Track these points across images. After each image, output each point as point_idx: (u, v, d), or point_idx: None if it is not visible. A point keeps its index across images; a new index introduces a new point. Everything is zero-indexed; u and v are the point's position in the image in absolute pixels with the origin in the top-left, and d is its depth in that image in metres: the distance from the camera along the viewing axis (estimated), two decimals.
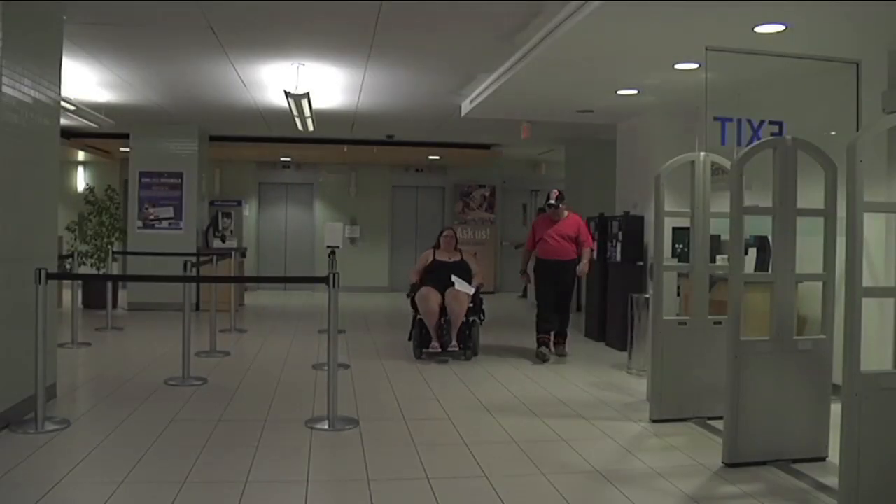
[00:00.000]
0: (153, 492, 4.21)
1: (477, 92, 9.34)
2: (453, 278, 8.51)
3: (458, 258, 8.92)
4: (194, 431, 5.44)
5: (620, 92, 8.41)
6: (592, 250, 8.91)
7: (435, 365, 8.19)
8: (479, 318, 8.74)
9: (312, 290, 15.82)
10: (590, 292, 10.75)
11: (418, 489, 4.35)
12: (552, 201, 8.63)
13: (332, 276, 5.63)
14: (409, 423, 5.78)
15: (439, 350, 8.37)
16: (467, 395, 6.75)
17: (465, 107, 10.15)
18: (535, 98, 8.97)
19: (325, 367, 6.13)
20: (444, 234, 9.17)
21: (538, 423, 5.87)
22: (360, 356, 8.56)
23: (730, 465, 4.79)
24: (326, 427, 5.54)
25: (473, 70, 8.50)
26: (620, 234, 9.70)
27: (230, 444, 5.15)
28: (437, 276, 8.65)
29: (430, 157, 16.26)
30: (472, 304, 8.54)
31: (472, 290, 8.52)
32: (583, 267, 8.62)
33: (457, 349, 8.38)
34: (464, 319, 8.44)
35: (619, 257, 9.71)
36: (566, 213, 8.75)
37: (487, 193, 17.65)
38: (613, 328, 9.55)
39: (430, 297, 8.38)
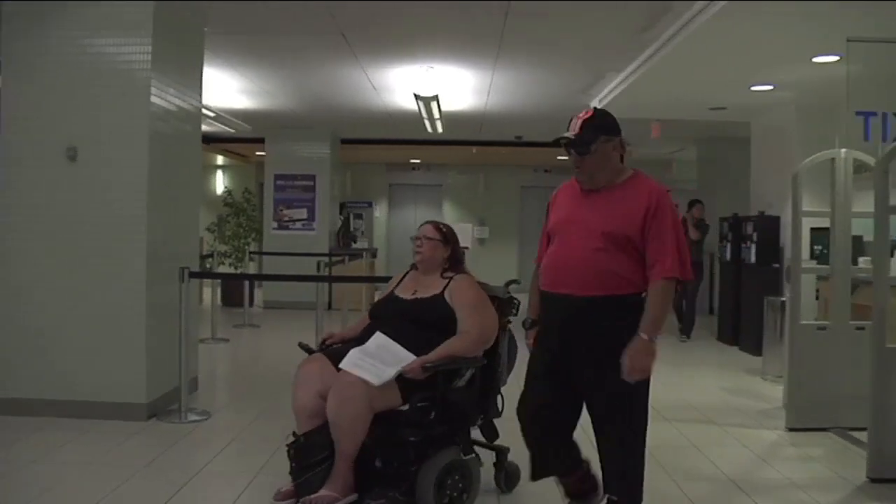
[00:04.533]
0: (287, 483, 4.34)
1: (606, 91, 9.23)
2: (371, 345, 3.82)
3: (436, 291, 4.05)
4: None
5: (755, 88, 8.13)
6: (679, 282, 3.26)
7: None
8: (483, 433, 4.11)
9: None
10: (723, 295, 10.46)
11: (545, 493, 4.34)
12: (569, 135, 3.32)
13: None
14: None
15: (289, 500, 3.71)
16: None
17: (595, 106, 10.02)
18: (666, 96, 8.79)
19: None
20: (416, 237, 4.33)
21: (668, 428, 5.75)
22: None
23: (875, 480, 4.55)
24: None
25: (602, 69, 8.41)
26: (755, 234, 9.39)
27: None
28: (374, 328, 4.01)
29: (559, 158, 16.13)
30: (424, 409, 3.69)
31: (384, 377, 3.59)
32: (634, 362, 3.13)
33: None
34: (367, 441, 3.65)
35: (753, 259, 9.40)
36: (623, 174, 3.37)
37: None
38: (747, 332, 9.26)
39: (307, 379, 3.84)
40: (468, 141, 14.71)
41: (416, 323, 3.93)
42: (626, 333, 3.15)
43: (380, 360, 3.67)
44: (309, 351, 4.12)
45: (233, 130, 11.90)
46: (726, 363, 8.60)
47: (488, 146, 15.04)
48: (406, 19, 6.64)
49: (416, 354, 3.71)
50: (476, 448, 4.03)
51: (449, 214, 17.41)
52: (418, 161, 17.24)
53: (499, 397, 4.15)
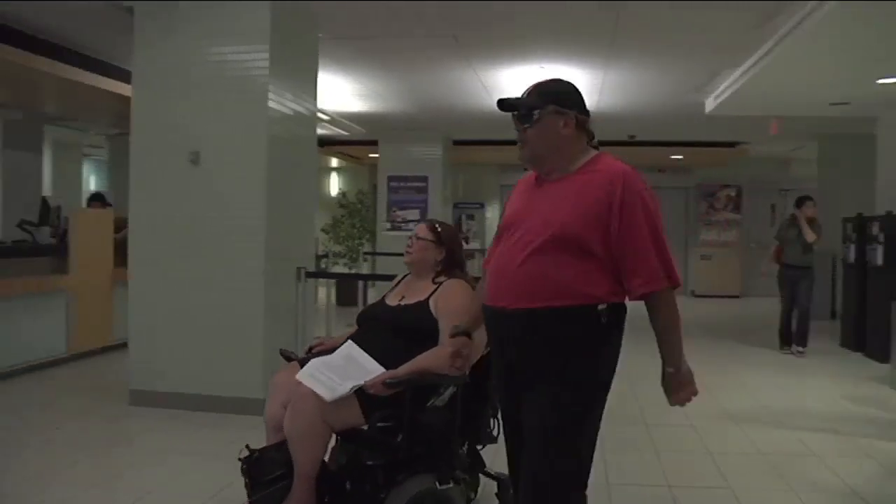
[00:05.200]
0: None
1: (721, 88, 9.02)
2: (338, 356, 3.42)
3: (421, 298, 3.61)
4: None
5: (881, 81, 7.80)
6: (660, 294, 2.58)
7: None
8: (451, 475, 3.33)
9: None
10: (847, 298, 10.07)
11: (658, 496, 4.29)
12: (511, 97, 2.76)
13: None
14: (651, 428, 5.68)
15: None
16: (710, 401, 6.52)
17: (710, 104, 9.82)
18: (785, 92, 8.53)
19: None
20: (410, 237, 3.88)
21: (787, 435, 5.58)
22: None
23: None
24: None
25: (718, 66, 8.22)
26: (882, 235, 8.99)
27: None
28: (357, 335, 3.63)
29: (673, 157, 15.85)
30: (386, 430, 3.23)
31: (338, 392, 3.18)
32: (677, 399, 2.74)
33: None
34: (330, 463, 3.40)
35: (880, 261, 9.00)
36: (581, 159, 2.73)
37: (733, 194, 16.96)
38: (874, 337, 8.87)
39: (276, 389, 3.53)
40: None
41: (397, 332, 3.48)
42: (571, 349, 2.52)
43: (343, 373, 3.25)
44: (288, 359, 3.72)
45: (347, 133, 12.14)
46: (850, 370, 8.26)
47: (600, 145, 14.84)
48: (517, 20, 6.65)
49: (392, 367, 3.27)
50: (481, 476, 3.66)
51: None
52: None
53: (493, 421, 3.56)
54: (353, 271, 13.43)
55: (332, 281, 12.17)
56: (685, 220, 17.07)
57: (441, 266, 3.72)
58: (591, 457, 2.64)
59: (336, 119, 11.01)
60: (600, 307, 2.51)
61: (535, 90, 2.72)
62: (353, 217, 14.06)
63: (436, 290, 3.58)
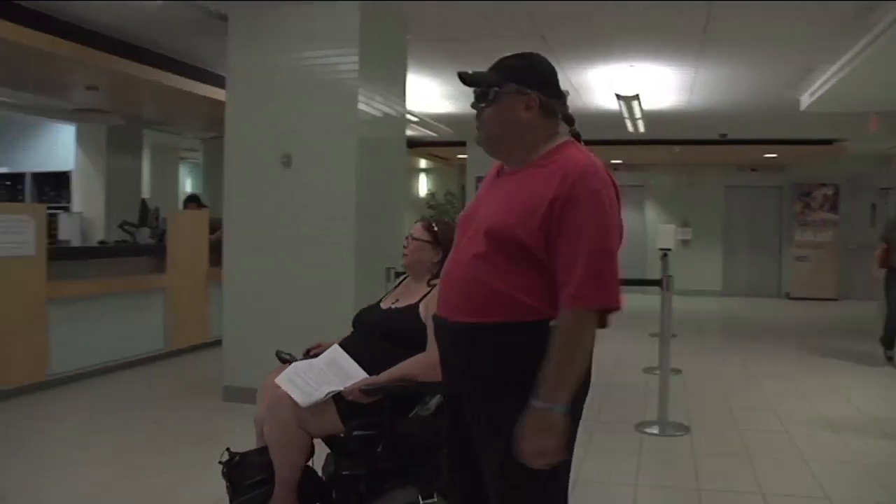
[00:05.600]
0: None
1: (818, 84, 8.75)
2: (321, 359, 3.28)
3: (412, 301, 3.41)
4: None
5: None
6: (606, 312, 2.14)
7: (774, 371, 7.80)
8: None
9: (643, 293, 15.64)
10: None
11: None
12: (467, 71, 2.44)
13: (664, 278, 5.57)
14: (744, 433, 5.54)
15: None
16: (807, 407, 6.34)
17: (805, 100, 9.55)
18: (885, 87, 8.23)
19: (657, 371, 6.07)
20: (407, 237, 3.64)
21: (892, 446, 5.36)
22: (692, 361, 8.32)
23: None
24: (657, 432, 5.48)
25: (813, 61, 7.98)
26: None
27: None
28: (351, 338, 3.48)
29: (766, 156, 15.45)
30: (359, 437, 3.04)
31: (313, 397, 3.06)
32: (526, 445, 2.04)
33: None
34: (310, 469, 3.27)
35: None
36: (545, 146, 2.31)
37: (830, 193, 16.43)
38: None
39: (265, 392, 3.37)
40: (670, 140, 14.35)
41: (384, 337, 3.31)
42: (517, 375, 2.08)
43: (323, 378, 3.12)
44: (284, 360, 3.50)
45: (435, 134, 12.20)
46: None
47: (691, 145, 14.61)
48: (606, 18, 6.59)
49: (378, 373, 3.12)
50: None
51: (651, 215, 17.08)
52: (619, 161, 16.99)
53: None
54: None
55: None
56: (779, 220, 16.62)
57: (438, 268, 3.33)
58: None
59: (424, 120, 11.08)
60: (553, 323, 2.06)
61: (497, 65, 2.37)
62: (442, 218, 14.11)
63: (428, 292, 3.34)
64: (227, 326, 6.25)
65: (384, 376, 3.08)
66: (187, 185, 15.62)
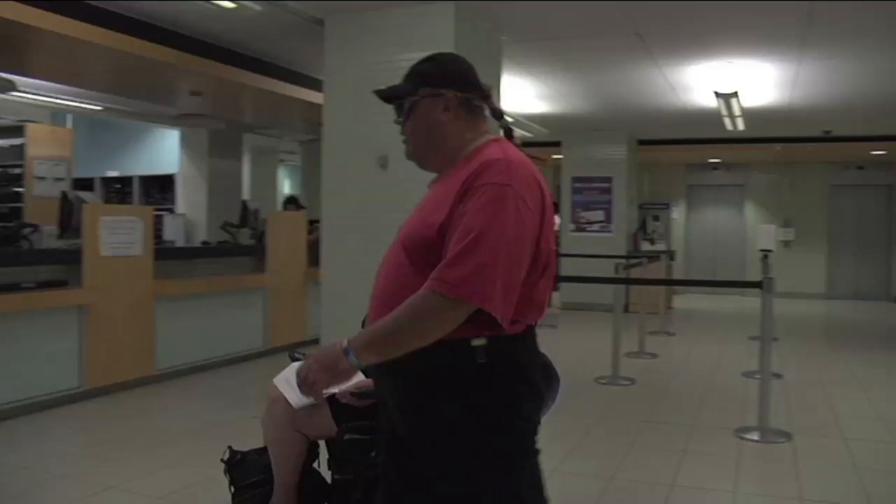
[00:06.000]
0: (581, 485, 4.37)
1: None
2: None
3: None
4: (621, 430, 5.56)
5: None
6: (492, 326, 1.89)
7: (881, 378, 7.52)
8: None
9: (743, 295, 15.31)
10: None
11: None
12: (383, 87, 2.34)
13: (765, 280, 5.44)
14: (849, 442, 5.34)
15: None
16: None
17: None
18: None
19: (757, 376, 5.92)
20: None
21: None
22: (793, 366, 8.08)
23: None
24: (757, 438, 5.34)
25: None
26: None
27: (656, 445, 5.18)
28: None
29: (874, 153, 14.90)
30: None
31: (304, 399, 2.73)
32: (306, 369, 2.00)
33: None
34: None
35: None
36: (468, 148, 2.15)
37: None
38: None
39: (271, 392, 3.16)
40: (771, 138, 13.96)
41: None
42: (436, 410, 1.93)
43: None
44: (294, 360, 3.28)
45: (530, 135, 12.15)
46: None
47: (793, 143, 14.17)
48: (704, 15, 6.45)
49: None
50: None
51: (751, 215, 16.67)
52: (718, 160, 16.66)
53: None
54: None
55: None
56: (887, 219, 15.98)
57: None
58: None
59: (519, 121, 11.06)
60: (475, 342, 1.88)
61: (408, 74, 2.21)
62: None
63: None
64: (325, 325, 6.36)
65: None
66: (286, 187, 15.96)
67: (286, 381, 3.01)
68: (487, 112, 2.20)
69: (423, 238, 1.95)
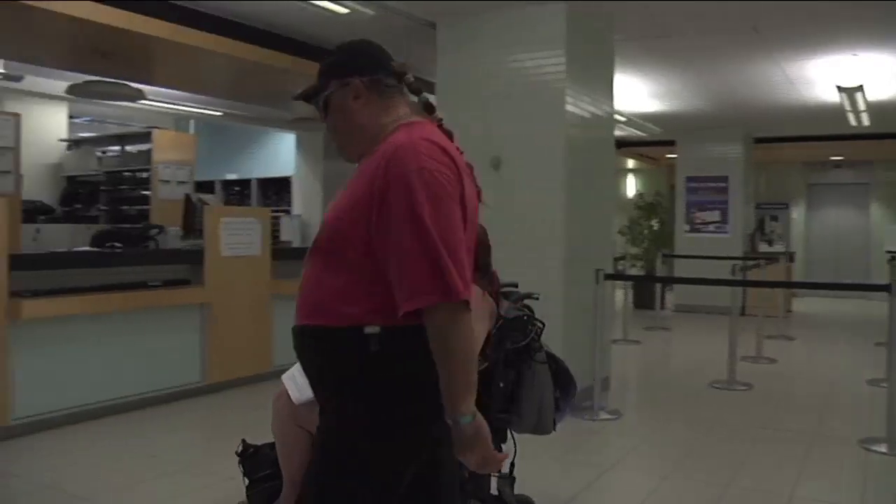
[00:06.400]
0: (695, 491, 4.28)
1: None
2: None
3: None
4: (737, 437, 5.42)
5: None
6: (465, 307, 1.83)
7: None
8: None
9: (867, 299, 14.70)
10: None
11: None
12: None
13: (893, 283, 5.21)
14: None
15: None
16: None
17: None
18: None
19: (884, 384, 5.69)
20: None
21: None
22: None
23: None
24: (885, 450, 5.09)
25: None
26: None
27: (774, 454, 5.02)
28: None
29: None
30: None
31: (305, 395, 2.88)
32: (467, 461, 1.88)
33: None
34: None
35: None
36: (383, 133, 2.06)
37: None
38: None
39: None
40: None
41: None
42: (336, 383, 1.94)
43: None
44: None
45: (643, 134, 11.99)
46: None
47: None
48: (826, 6, 6.22)
49: None
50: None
51: (877, 215, 15.99)
52: (840, 158, 16.05)
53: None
54: (651, 274, 13.23)
55: (630, 283, 12.09)
56: None
57: None
58: None
59: (632, 120, 10.93)
60: (368, 330, 1.86)
61: (319, 72, 2.16)
62: (651, 219, 13.85)
63: None
64: None
65: None
66: None
67: (292, 377, 3.02)
68: (410, 92, 2.15)
69: (333, 233, 1.94)
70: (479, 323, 2.84)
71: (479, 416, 1.82)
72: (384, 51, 2.16)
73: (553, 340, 5.77)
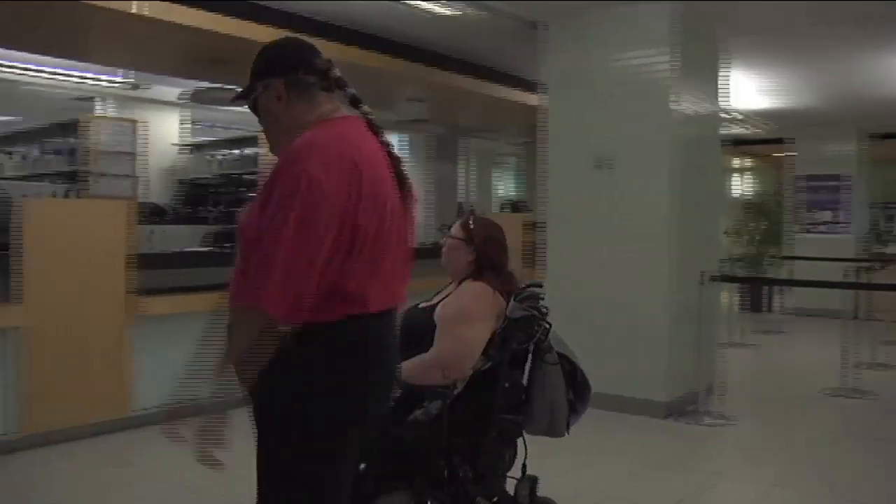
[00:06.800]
0: (807, 502, 4.16)
1: None
2: None
3: (439, 301, 3.29)
4: (850, 447, 5.24)
5: None
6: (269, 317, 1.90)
7: None
8: None
9: None
10: None
11: None
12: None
13: None
14: None
15: None
16: None
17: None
18: None
19: None
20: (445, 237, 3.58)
21: None
22: None
23: None
24: None
25: None
26: None
27: (891, 467, 4.82)
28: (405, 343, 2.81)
29: None
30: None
31: None
32: None
33: None
34: None
35: None
36: (304, 128, 2.07)
37: None
38: None
39: None
40: None
41: (404, 335, 2.91)
42: (261, 388, 1.95)
43: None
44: None
45: (752, 131, 11.68)
46: None
47: None
48: None
49: None
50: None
51: None
52: None
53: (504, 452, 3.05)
54: (762, 276, 12.85)
55: (736, 285, 11.78)
56: None
57: (472, 268, 3.24)
58: None
59: (740, 117, 10.66)
60: (283, 327, 1.91)
61: (251, 73, 2.17)
62: (760, 219, 13.47)
63: (450, 293, 3.20)
64: None
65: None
66: (501, 189, 16.18)
67: None
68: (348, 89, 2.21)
69: (247, 225, 1.95)
70: (483, 322, 2.98)
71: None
72: (307, 48, 2.18)
73: (657, 343, 5.73)
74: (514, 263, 8.60)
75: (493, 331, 2.98)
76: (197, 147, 11.64)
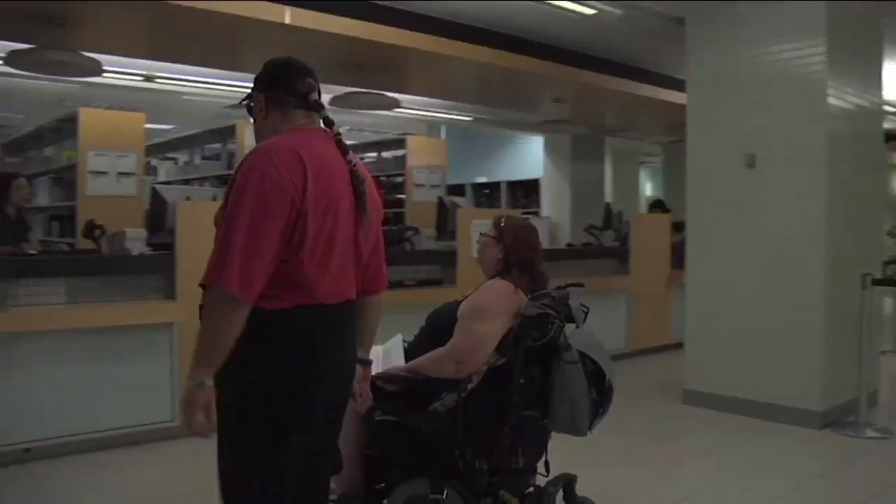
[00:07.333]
0: None
1: None
2: (384, 346, 3.39)
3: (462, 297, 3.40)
4: None
5: None
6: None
7: None
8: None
9: None
10: None
11: None
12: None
13: None
14: None
15: None
16: None
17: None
18: None
19: None
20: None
21: None
22: None
23: None
24: None
25: None
26: None
27: None
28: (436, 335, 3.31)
29: None
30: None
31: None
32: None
33: None
34: None
35: None
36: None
37: None
38: None
39: None
40: None
41: (430, 329, 3.38)
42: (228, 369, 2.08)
43: (376, 363, 3.05)
44: None
45: None
46: None
47: None
48: None
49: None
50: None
51: None
52: None
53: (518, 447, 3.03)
54: None
55: None
56: None
57: (502, 265, 3.32)
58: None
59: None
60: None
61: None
62: None
63: (475, 290, 3.29)
64: (689, 329, 6.24)
65: (398, 368, 3.14)
66: (647, 189, 15.90)
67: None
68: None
69: (216, 225, 2.17)
70: (499, 318, 3.05)
71: (201, 390, 2.02)
72: (295, 69, 2.39)
73: (814, 349, 5.48)
74: (663, 264, 8.48)
75: (510, 328, 3.03)
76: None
